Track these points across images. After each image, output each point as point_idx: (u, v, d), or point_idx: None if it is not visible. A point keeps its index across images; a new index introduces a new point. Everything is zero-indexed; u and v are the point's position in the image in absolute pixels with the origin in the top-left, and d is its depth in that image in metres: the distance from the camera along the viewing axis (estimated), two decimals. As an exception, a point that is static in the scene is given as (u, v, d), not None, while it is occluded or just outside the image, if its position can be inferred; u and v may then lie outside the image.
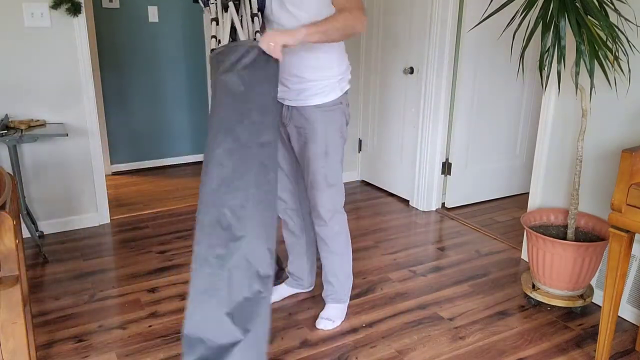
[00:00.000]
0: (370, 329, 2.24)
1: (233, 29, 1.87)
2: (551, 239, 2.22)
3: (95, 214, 3.31)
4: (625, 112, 2.24)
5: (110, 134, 4.39)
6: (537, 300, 2.40)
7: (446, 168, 3.59)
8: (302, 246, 2.37)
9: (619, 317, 2.32)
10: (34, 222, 3.05)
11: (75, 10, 2.90)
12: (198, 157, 4.84)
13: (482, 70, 3.43)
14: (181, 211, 3.56)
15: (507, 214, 3.57)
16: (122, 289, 2.55)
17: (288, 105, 2.06)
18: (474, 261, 2.88)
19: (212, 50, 1.80)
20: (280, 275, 2.49)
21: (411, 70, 3.52)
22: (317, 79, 1.98)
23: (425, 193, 3.62)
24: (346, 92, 2.09)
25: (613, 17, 2.19)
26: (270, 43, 1.69)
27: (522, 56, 2.20)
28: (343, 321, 2.28)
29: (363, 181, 4.24)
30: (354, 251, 2.94)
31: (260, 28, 1.90)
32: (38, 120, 2.91)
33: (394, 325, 2.27)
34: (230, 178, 1.65)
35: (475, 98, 3.48)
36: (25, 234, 2.97)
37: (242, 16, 1.92)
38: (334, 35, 1.80)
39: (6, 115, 2.89)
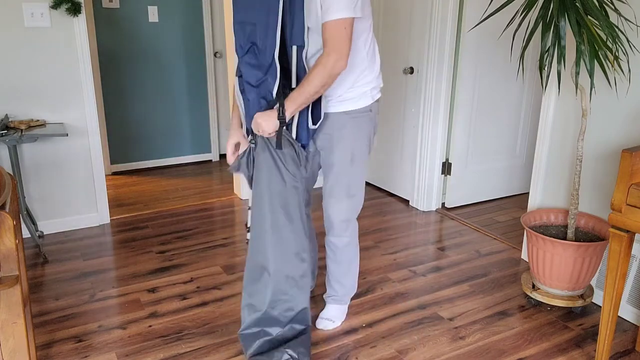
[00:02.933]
0: (370, 329, 2.24)
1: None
2: (551, 239, 2.22)
3: (95, 214, 3.31)
4: (625, 112, 2.24)
5: (110, 134, 4.39)
6: (537, 300, 2.40)
7: (446, 168, 3.59)
8: None
9: (619, 317, 2.32)
10: (34, 222, 3.05)
11: (75, 10, 2.90)
12: (198, 157, 4.85)
13: (482, 70, 3.43)
14: (181, 211, 3.56)
15: (507, 214, 3.57)
16: (122, 289, 2.55)
17: None
18: (474, 261, 2.88)
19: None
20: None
21: (411, 70, 3.52)
22: (349, 89, 1.95)
23: (425, 193, 3.62)
24: (377, 100, 2.04)
25: (613, 17, 2.19)
26: (258, 130, 1.84)
27: (522, 56, 2.20)
28: (343, 321, 2.28)
29: (363, 181, 4.24)
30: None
31: None
32: (38, 120, 2.91)
33: (394, 325, 2.27)
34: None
35: (476, 98, 3.48)
36: (25, 234, 2.97)
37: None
38: (317, 94, 1.81)
39: (6, 115, 2.89)
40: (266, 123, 1.82)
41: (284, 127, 1.85)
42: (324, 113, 1.98)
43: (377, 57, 2.01)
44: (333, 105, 1.98)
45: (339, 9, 1.73)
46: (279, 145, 1.87)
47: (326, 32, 1.76)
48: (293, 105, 1.81)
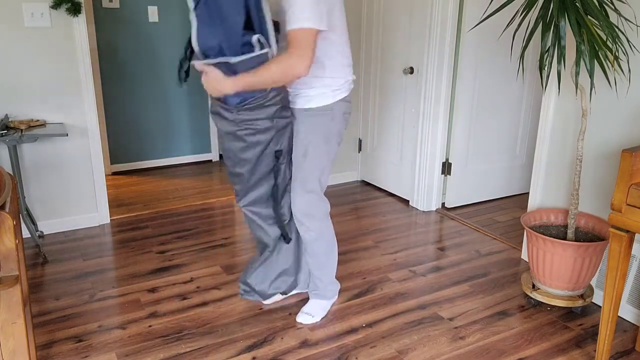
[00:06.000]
0: (370, 329, 2.24)
1: None
2: (551, 239, 2.22)
3: (95, 214, 3.31)
4: (625, 112, 2.24)
5: (110, 134, 4.38)
6: (537, 300, 2.40)
7: (446, 168, 3.59)
8: (295, 248, 2.35)
9: (619, 317, 2.32)
10: (34, 222, 3.05)
11: (75, 10, 2.90)
12: (198, 157, 4.84)
13: (482, 70, 3.43)
14: (181, 211, 3.56)
15: (507, 214, 3.57)
16: (122, 289, 2.55)
17: None
18: (474, 261, 2.88)
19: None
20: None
21: (411, 70, 3.52)
22: (308, 88, 2.02)
23: (425, 193, 3.62)
24: (343, 100, 2.08)
25: (613, 17, 2.19)
26: (214, 92, 1.92)
27: (522, 56, 2.20)
28: (323, 318, 2.29)
29: (363, 181, 4.24)
30: (353, 251, 2.95)
31: None
32: (38, 120, 2.91)
33: (394, 325, 2.27)
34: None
35: (475, 98, 3.48)
36: (25, 234, 2.96)
37: None
38: (269, 84, 1.88)
39: (6, 115, 2.89)
40: (219, 84, 1.87)
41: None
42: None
43: (344, 61, 2.05)
44: (292, 102, 2.07)
45: (303, 18, 1.80)
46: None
47: (290, 37, 1.83)
48: (240, 82, 1.85)
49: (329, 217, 2.22)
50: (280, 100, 1.99)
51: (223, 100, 1.97)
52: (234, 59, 1.84)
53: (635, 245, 2.20)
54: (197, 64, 1.91)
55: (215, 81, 1.87)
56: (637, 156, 1.72)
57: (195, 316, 2.32)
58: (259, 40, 1.83)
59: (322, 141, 2.08)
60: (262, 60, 1.86)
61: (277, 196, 2.16)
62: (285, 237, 2.27)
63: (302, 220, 2.15)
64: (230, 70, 1.86)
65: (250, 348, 2.10)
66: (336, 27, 1.97)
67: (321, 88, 2.02)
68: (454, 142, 3.51)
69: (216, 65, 1.87)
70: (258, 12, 1.84)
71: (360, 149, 4.20)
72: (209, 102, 2.05)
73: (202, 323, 2.27)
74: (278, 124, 2.01)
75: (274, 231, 2.25)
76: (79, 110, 3.10)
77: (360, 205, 3.71)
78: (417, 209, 3.65)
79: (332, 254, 2.28)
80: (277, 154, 2.07)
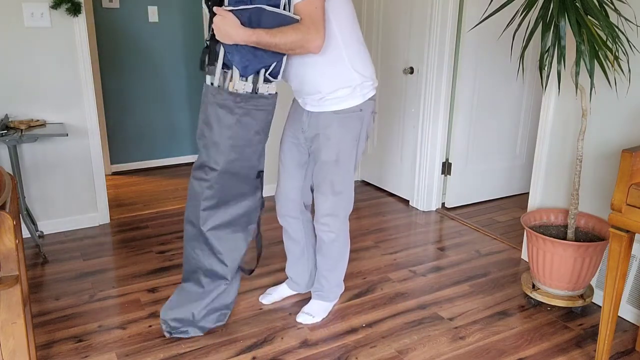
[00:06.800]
0: (370, 329, 2.24)
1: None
2: (551, 239, 2.22)
3: (95, 214, 3.31)
4: (626, 112, 2.24)
5: (110, 134, 4.39)
6: (537, 300, 2.40)
7: (446, 168, 3.59)
8: (300, 251, 2.36)
9: (619, 317, 2.32)
10: (34, 222, 3.05)
11: (75, 10, 2.90)
12: (198, 157, 4.84)
13: (482, 70, 3.44)
14: (181, 211, 3.56)
15: (507, 214, 3.57)
16: (122, 289, 2.55)
17: (308, 111, 2.06)
18: (474, 261, 2.88)
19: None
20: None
21: (411, 70, 3.52)
22: (335, 88, 1.97)
23: (425, 193, 3.62)
24: (371, 99, 2.05)
25: (613, 17, 2.19)
26: (224, 37, 1.81)
27: (522, 56, 2.20)
28: (324, 319, 2.29)
29: (363, 181, 4.24)
30: (353, 251, 2.95)
31: None
32: (38, 120, 2.91)
33: (394, 325, 2.27)
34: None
35: (475, 98, 3.48)
36: (25, 234, 2.97)
37: None
38: (282, 49, 1.82)
39: (6, 115, 2.89)
40: (233, 29, 1.78)
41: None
42: (314, 112, 2.04)
43: (365, 56, 2.04)
44: (321, 106, 2.01)
45: None
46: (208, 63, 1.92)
47: (299, 13, 1.80)
48: (254, 35, 1.77)
49: (348, 220, 2.22)
50: (271, 104, 1.96)
51: (228, 64, 1.86)
52: (268, 7, 1.77)
53: (635, 245, 2.21)
54: (220, 8, 1.82)
55: (230, 26, 1.77)
56: (637, 156, 1.72)
57: (195, 316, 2.31)
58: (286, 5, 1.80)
59: (353, 144, 2.05)
60: (284, 23, 1.80)
61: (259, 216, 2.14)
62: (249, 269, 2.31)
63: (325, 221, 2.14)
64: (249, 22, 1.80)
65: (250, 348, 2.10)
66: (349, 17, 1.96)
67: (349, 88, 1.97)
68: (454, 142, 3.51)
69: (237, 13, 1.79)
70: None
71: (360, 149, 4.20)
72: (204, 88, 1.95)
73: (202, 323, 2.27)
74: (264, 130, 1.98)
75: (232, 259, 2.09)
76: (79, 110, 3.10)
77: (360, 205, 3.71)
78: (417, 209, 3.65)
79: (344, 257, 2.27)
80: (260, 174, 2.06)
